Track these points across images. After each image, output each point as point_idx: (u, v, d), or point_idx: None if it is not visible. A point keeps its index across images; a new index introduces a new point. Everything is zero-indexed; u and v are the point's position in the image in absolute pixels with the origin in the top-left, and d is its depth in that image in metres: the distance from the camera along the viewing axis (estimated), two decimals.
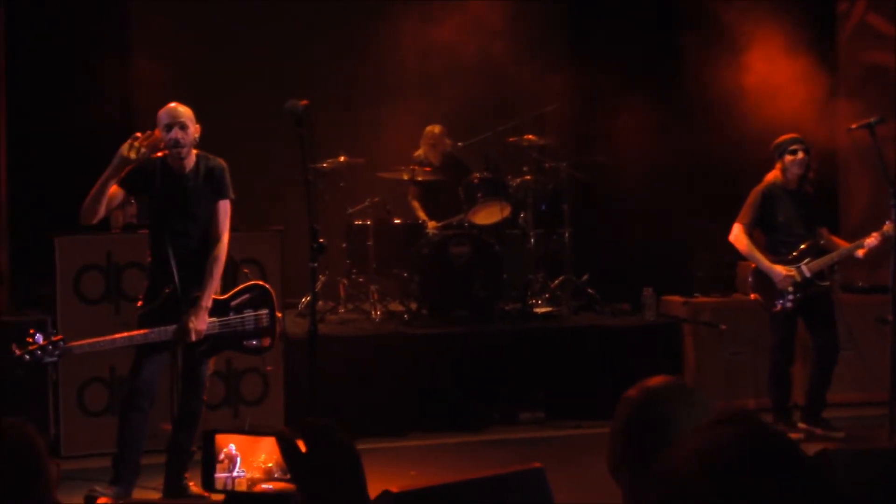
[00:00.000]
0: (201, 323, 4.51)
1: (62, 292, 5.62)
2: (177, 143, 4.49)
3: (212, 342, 4.62)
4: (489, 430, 6.26)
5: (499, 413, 6.37)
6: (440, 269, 6.75)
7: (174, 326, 4.47)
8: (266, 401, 5.90)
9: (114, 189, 4.48)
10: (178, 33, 7.71)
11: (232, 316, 4.69)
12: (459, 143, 7.59)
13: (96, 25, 7.02)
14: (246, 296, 4.75)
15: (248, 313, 4.74)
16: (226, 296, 4.71)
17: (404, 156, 7.46)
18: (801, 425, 5.95)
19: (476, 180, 7.02)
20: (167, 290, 4.51)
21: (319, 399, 4.79)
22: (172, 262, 4.50)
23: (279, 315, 4.84)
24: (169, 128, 4.49)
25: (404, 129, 7.72)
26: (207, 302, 4.55)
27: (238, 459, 2.60)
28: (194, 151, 4.62)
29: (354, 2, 8.33)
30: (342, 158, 7.11)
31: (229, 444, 2.61)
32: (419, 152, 7.52)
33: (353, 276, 7.27)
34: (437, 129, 7.45)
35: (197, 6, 7.95)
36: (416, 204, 7.47)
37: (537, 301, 7.23)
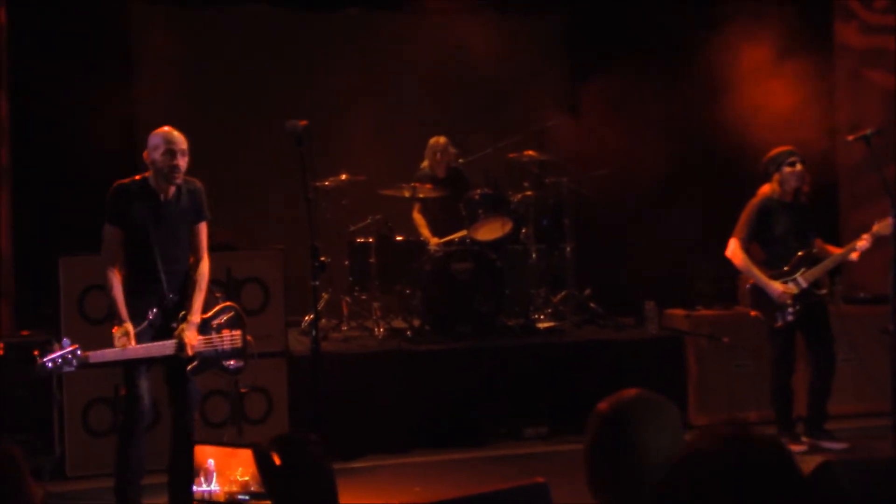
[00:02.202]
0: (194, 338, 4.57)
1: (66, 312, 5.64)
2: (176, 170, 4.52)
3: (200, 360, 4.64)
4: (493, 445, 6.25)
5: (502, 428, 6.37)
6: (442, 286, 6.77)
7: (172, 342, 4.51)
8: (270, 419, 5.91)
9: (114, 233, 4.54)
10: (181, 53, 7.77)
11: (214, 335, 4.73)
12: (461, 160, 7.62)
13: (99, 47, 7.07)
14: (224, 316, 4.80)
15: (227, 333, 4.80)
16: (207, 315, 4.73)
17: (406, 173, 7.48)
18: (805, 438, 5.95)
19: (477, 196, 7.05)
20: (153, 311, 4.52)
21: (323, 416, 4.81)
22: (164, 283, 4.52)
23: (249, 338, 4.88)
24: (171, 154, 4.51)
25: (405, 146, 7.75)
26: (197, 317, 4.61)
27: (214, 474, 2.61)
28: None
29: (355, 20, 8.39)
30: (344, 176, 7.13)
31: (208, 460, 2.62)
32: (424, 164, 7.54)
33: (356, 294, 7.29)
34: (441, 140, 7.47)
35: (200, 25, 8.03)
36: (420, 220, 7.48)
37: (540, 316, 7.24)
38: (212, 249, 5.97)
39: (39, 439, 5.58)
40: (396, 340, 6.70)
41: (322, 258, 4.42)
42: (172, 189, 4.61)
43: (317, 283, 4.50)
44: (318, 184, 6.91)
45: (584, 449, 1.89)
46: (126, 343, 4.37)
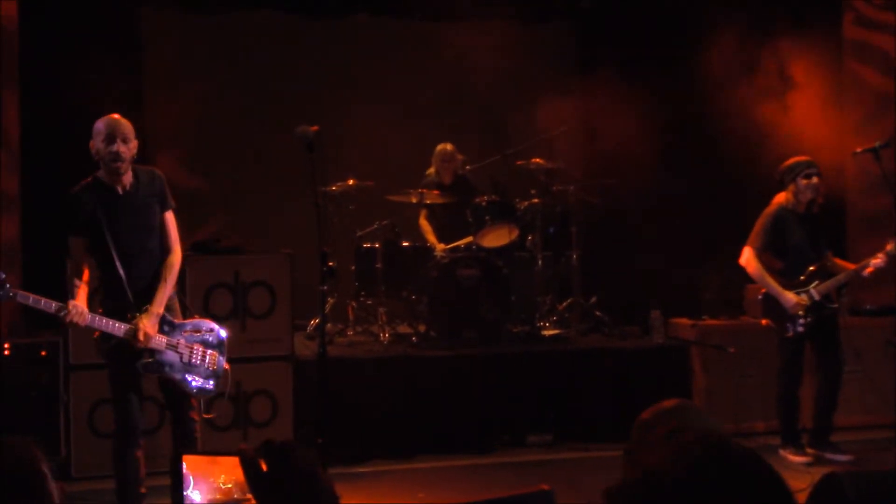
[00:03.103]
0: (151, 328, 4.32)
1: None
2: (117, 157, 4.30)
3: (156, 359, 4.40)
4: (497, 452, 6.26)
5: (507, 435, 6.38)
6: (448, 292, 6.78)
7: (125, 325, 4.30)
8: (275, 423, 5.92)
9: (78, 244, 4.38)
10: (191, 58, 7.81)
11: (181, 341, 4.46)
12: (468, 167, 7.64)
13: (109, 53, 7.09)
14: (201, 331, 4.55)
15: (199, 348, 4.50)
16: (182, 320, 4.54)
17: (413, 179, 7.51)
18: (810, 449, 5.94)
19: (484, 203, 7.06)
20: (129, 316, 4.34)
21: (328, 421, 4.81)
22: (125, 284, 4.32)
23: (227, 367, 4.59)
24: (111, 139, 4.30)
25: (413, 152, 7.77)
26: (159, 308, 4.38)
27: (191, 479, 2.60)
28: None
29: (364, 27, 8.41)
30: (351, 182, 7.16)
31: (183, 465, 2.61)
32: (430, 171, 7.57)
33: (362, 299, 7.30)
34: (448, 146, 7.51)
35: (209, 31, 8.06)
36: (426, 225, 7.50)
37: (545, 323, 7.25)
38: (220, 253, 6.05)
39: (45, 440, 5.59)
40: (402, 346, 6.71)
41: (330, 263, 4.41)
42: (127, 179, 4.39)
43: (325, 287, 4.49)
44: (325, 189, 6.93)
45: (623, 456, 1.89)
46: (75, 318, 4.16)
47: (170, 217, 4.57)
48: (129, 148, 4.36)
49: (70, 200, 4.37)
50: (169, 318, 4.46)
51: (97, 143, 4.35)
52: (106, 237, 4.32)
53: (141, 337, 4.31)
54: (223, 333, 4.63)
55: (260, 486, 1.73)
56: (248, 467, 1.74)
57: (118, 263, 4.33)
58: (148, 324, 4.33)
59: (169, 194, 4.57)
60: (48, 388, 5.68)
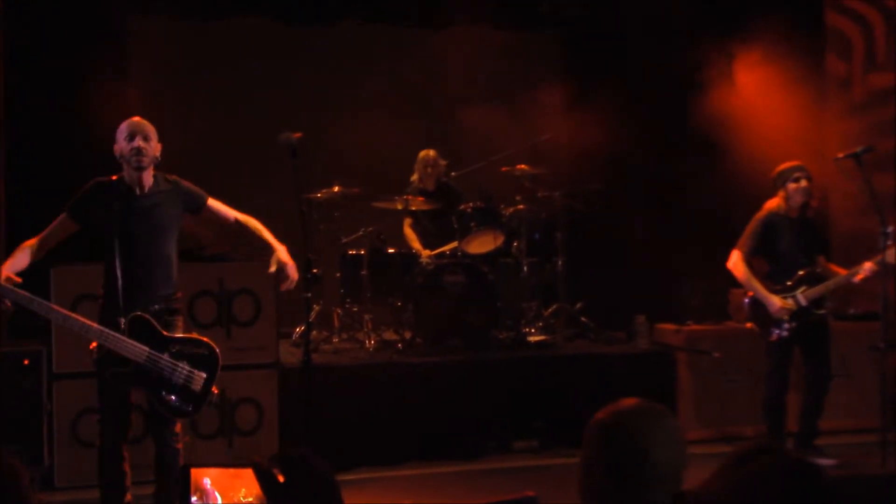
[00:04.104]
0: (288, 258, 4.43)
1: (57, 322, 5.61)
2: (139, 152, 4.28)
3: (134, 369, 4.22)
4: (484, 458, 6.25)
5: (493, 441, 6.37)
6: (434, 298, 6.77)
7: (146, 348, 4.18)
8: (261, 431, 5.90)
9: (66, 225, 4.36)
10: (177, 64, 7.79)
11: (166, 357, 4.26)
12: (453, 173, 7.64)
13: (96, 58, 7.06)
14: (191, 349, 4.33)
15: (184, 367, 4.29)
16: (172, 335, 4.33)
17: (398, 186, 7.51)
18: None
19: (469, 209, 7.07)
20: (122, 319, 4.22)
21: (314, 429, 4.79)
22: (120, 289, 4.21)
23: (215, 390, 4.38)
24: (132, 137, 4.31)
25: (398, 159, 7.78)
26: (279, 246, 4.50)
27: (216, 494, 2.56)
28: (151, 170, 4.41)
29: (351, 33, 8.42)
30: (336, 188, 7.15)
31: (203, 479, 2.56)
32: (414, 178, 7.57)
33: (348, 306, 7.29)
34: (431, 153, 7.52)
35: (196, 37, 8.04)
36: (410, 233, 7.50)
37: (531, 329, 7.25)
38: (204, 260, 6.02)
39: (28, 449, 5.54)
40: (388, 353, 6.69)
41: (315, 270, 4.39)
42: (147, 181, 4.37)
43: (309, 294, 4.47)
44: (310, 195, 6.92)
45: (582, 460, 1.85)
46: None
47: (214, 203, 4.58)
48: (150, 146, 4.35)
49: (97, 187, 4.37)
50: (159, 330, 4.31)
51: (120, 143, 4.36)
52: (124, 234, 4.27)
53: (291, 273, 4.40)
54: (217, 354, 4.39)
55: (278, 497, 1.71)
56: (264, 478, 1.71)
57: (119, 267, 4.25)
58: (285, 256, 4.44)
59: (196, 189, 4.55)
60: (31, 397, 5.63)
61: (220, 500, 2.51)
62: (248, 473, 2.50)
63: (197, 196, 4.56)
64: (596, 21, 8.36)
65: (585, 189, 7.70)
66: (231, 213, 4.65)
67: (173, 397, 4.28)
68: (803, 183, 5.86)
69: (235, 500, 2.49)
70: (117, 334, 4.21)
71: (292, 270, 4.47)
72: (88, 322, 4.23)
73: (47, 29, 6.93)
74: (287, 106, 7.94)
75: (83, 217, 4.38)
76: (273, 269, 4.48)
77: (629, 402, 1.89)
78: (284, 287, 4.50)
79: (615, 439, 1.82)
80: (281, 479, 1.71)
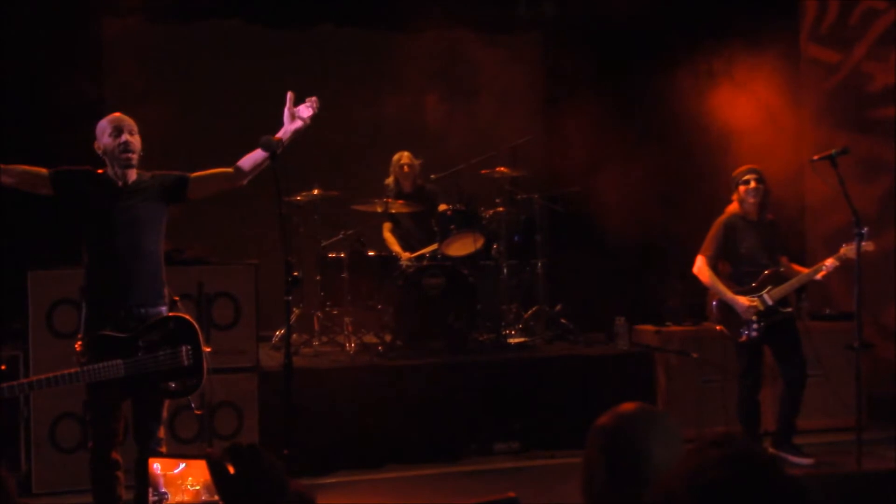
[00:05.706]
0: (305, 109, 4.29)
1: (34, 327, 5.59)
2: (127, 147, 4.22)
3: (119, 385, 4.11)
4: (464, 460, 6.26)
5: (474, 443, 6.39)
6: (414, 301, 6.78)
7: (120, 361, 4.06)
8: (240, 434, 5.87)
9: (41, 179, 4.23)
10: (153, 67, 7.74)
11: (141, 356, 4.14)
12: (433, 176, 7.65)
13: (70, 62, 7.02)
14: (156, 333, 4.19)
15: (163, 352, 4.18)
16: (129, 335, 4.16)
17: (378, 189, 7.51)
18: (772, 451, 6.01)
19: (449, 212, 7.08)
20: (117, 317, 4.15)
21: (294, 432, 4.78)
22: (120, 281, 4.14)
23: (207, 349, 4.29)
24: (118, 132, 4.24)
25: (377, 162, 7.78)
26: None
27: (161, 481, 2.58)
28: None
29: (329, 36, 8.41)
30: (316, 191, 7.14)
31: (154, 465, 2.57)
32: (389, 180, 7.57)
33: (328, 309, 7.28)
34: (404, 155, 7.52)
35: (172, 40, 8.01)
36: (390, 237, 7.51)
37: (511, 331, 7.28)
38: (183, 263, 5.99)
39: (5, 455, 5.50)
40: (368, 355, 6.70)
41: (295, 273, 4.37)
42: (131, 175, 4.29)
43: (289, 297, 4.46)
44: (290, 199, 6.91)
45: (584, 462, 1.89)
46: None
47: (197, 174, 4.47)
48: (136, 140, 4.29)
49: (86, 171, 4.29)
50: (120, 335, 4.15)
51: (103, 140, 4.27)
52: (95, 233, 4.19)
53: (311, 111, 4.30)
54: (188, 320, 4.27)
55: (228, 488, 1.75)
56: (216, 470, 1.76)
57: (101, 265, 4.19)
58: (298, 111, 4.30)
59: (174, 171, 4.45)
60: (8, 403, 5.58)
61: (166, 491, 2.53)
62: (196, 464, 2.51)
63: (177, 177, 4.44)
64: (574, 23, 8.40)
65: (565, 191, 7.74)
66: (218, 169, 4.53)
67: (171, 383, 4.20)
68: (752, 185, 5.95)
69: (183, 489, 2.52)
70: (89, 366, 4.05)
71: (304, 106, 4.32)
72: (62, 371, 4.05)
73: (21, 31, 6.88)
74: (264, 109, 7.90)
75: (63, 186, 4.24)
76: (292, 108, 4.33)
77: (630, 405, 1.94)
78: (311, 110, 4.33)
79: (617, 441, 1.88)
80: (231, 471, 1.76)
